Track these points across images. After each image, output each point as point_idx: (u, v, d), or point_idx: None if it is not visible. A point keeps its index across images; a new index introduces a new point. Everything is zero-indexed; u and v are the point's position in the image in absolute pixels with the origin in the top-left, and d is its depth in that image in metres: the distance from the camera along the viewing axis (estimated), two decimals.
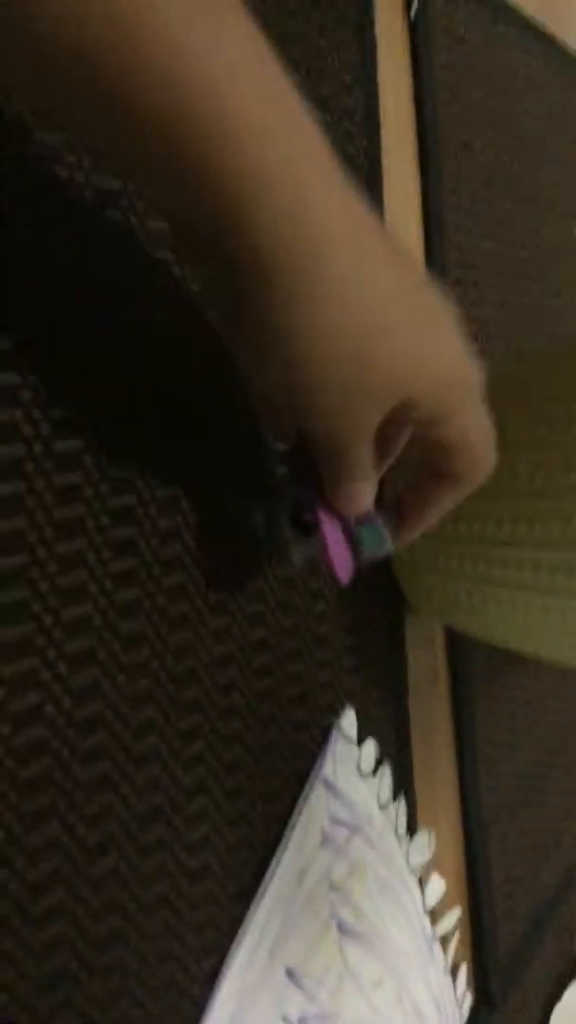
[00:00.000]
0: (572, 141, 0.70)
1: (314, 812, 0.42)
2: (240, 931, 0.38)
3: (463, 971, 0.55)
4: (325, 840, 0.42)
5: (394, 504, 0.35)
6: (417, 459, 0.32)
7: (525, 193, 0.62)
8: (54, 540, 0.29)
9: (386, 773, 0.47)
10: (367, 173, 0.46)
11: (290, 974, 0.40)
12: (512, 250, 0.59)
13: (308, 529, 0.35)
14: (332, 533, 0.34)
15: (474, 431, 0.30)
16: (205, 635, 0.35)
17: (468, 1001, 0.55)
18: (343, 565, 0.34)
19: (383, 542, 0.34)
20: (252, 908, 0.38)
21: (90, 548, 0.30)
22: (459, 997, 0.54)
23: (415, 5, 0.48)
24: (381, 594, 0.47)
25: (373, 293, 0.26)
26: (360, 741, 0.45)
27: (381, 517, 0.34)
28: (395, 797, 0.48)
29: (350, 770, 0.44)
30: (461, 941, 0.55)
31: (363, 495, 0.32)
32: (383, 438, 0.30)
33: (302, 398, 0.27)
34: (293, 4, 0.40)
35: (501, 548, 0.41)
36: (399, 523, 0.34)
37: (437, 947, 0.51)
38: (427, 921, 0.50)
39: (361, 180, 0.46)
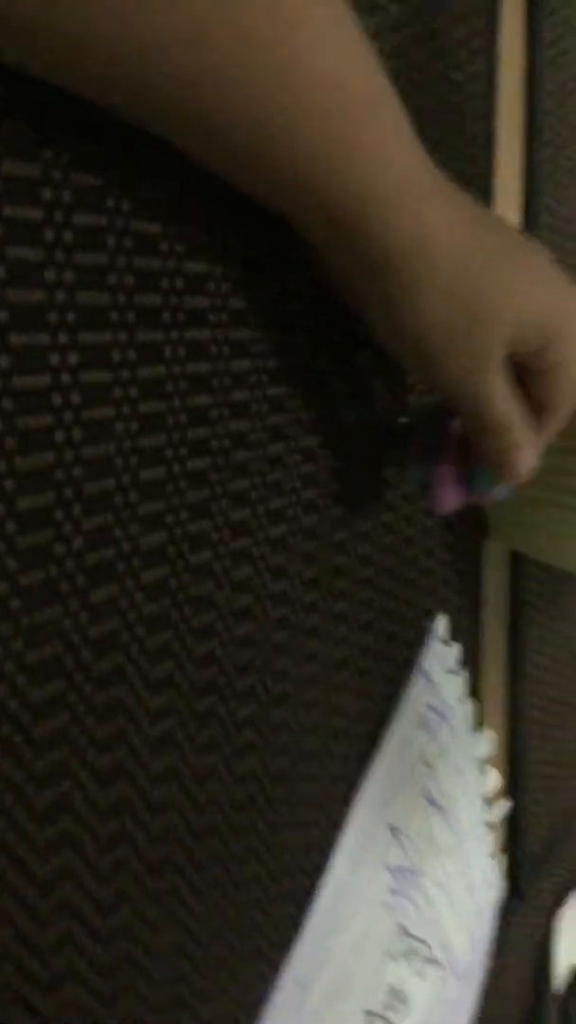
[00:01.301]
0: None
1: (416, 697, 0.48)
2: (360, 788, 0.44)
3: (500, 859, 0.62)
4: (422, 722, 0.49)
5: None
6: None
7: None
8: (231, 449, 0.35)
9: (464, 673, 0.53)
10: (485, 131, 0.51)
11: (392, 829, 0.46)
12: None
13: (430, 459, 0.40)
14: (448, 472, 0.38)
15: (571, 361, 0.33)
16: (329, 546, 0.40)
17: (501, 886, 0.63)
18: (449, 501, 0.39)
19: (493, 486, 0.39)
20: (369, 770, 0.45)
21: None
22: (496, 881, 0.61)
23: None
24: (470, 518, 0.53)
25: (475, 263, 0.30)
26: (449, 642, 0.52)
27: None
28: (469, 695, 0.54)
29: (441, 666, 0.50)
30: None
31: (517, 457, 0.35)
32: (533, 397, 0.34)
33: (434, 358, 0.31)
34: None
35: (561, 477, 0.48)
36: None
37: (487, 832, 0.58)
38: (483, 808, 0.57)
39: (479, 140, 0.51)
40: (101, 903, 0.29)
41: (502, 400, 0.33)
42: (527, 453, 0.35)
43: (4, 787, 0.26)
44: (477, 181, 0.50)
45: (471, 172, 0.49)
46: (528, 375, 0.34)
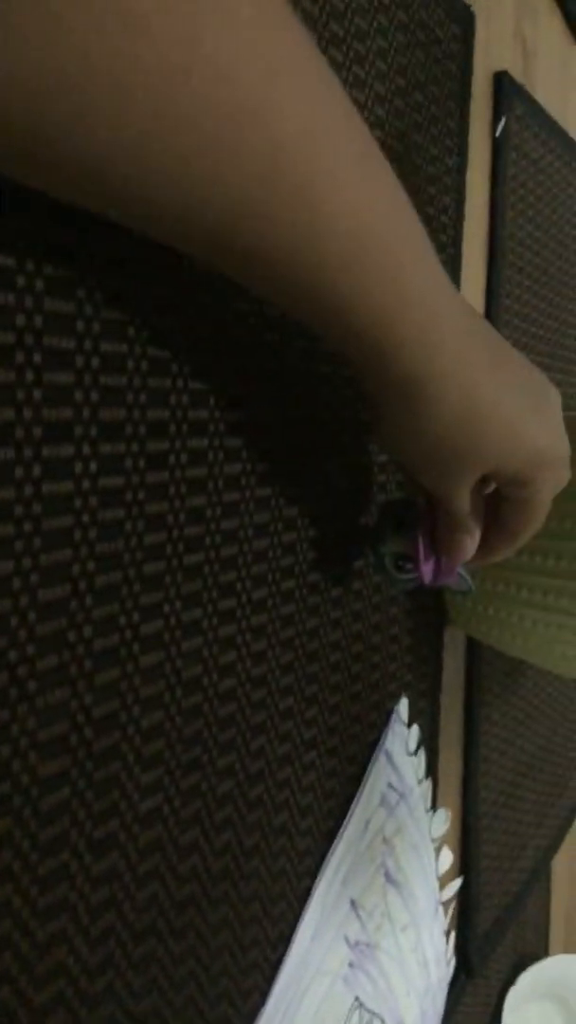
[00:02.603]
0: None
1: (378, 776, 0.51)
2: (325, 862, 0.46)
3: (452, 936, 0.64)
4: (383, 800, 0.51)
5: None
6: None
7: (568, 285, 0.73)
8: (221, 543, 0.38)
9: (423, 754, 0.56)
10: (452, 257, 0.56)
11: (352, 904, 0.49)
12: (558, 336, 0.71)
13: (408, 571, 0.45)
14: (427, 567, 0.43)
15: (541, 501, 0.38)
16: (303, 633, 0.44)
17: (453, 963, 0.65)
18: (428, 570, 0.43)
19: (465, 582, 0.44)
20: (334, 845, 0.47)
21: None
22: (448, 958, 0.63)
23: (500, 126, 0.59)
24: (432, 606, 0.57)
25: (482, 398, 0.33)
26: (409, 724, 0.55)
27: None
28: (426, 776, 0.57)
29: (402, 747, 0.53)
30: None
31: (466, 546, 0.40)
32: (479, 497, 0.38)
33: (422, 464, 0.36)
34: (406, 123, 0.50)
35: (519, 573, 0.52)
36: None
37: (441, 910, 0.60)
38: (437, 885, 0.59)
39: (447, 262, 0.56)
40: (90, 967, 0.32)
41: (463, 503, 0.38)
42: (468, 547, 0.40)
43: (12, 856, 0.28)
44: None
45: None
46: (501, 498, 0.38)
